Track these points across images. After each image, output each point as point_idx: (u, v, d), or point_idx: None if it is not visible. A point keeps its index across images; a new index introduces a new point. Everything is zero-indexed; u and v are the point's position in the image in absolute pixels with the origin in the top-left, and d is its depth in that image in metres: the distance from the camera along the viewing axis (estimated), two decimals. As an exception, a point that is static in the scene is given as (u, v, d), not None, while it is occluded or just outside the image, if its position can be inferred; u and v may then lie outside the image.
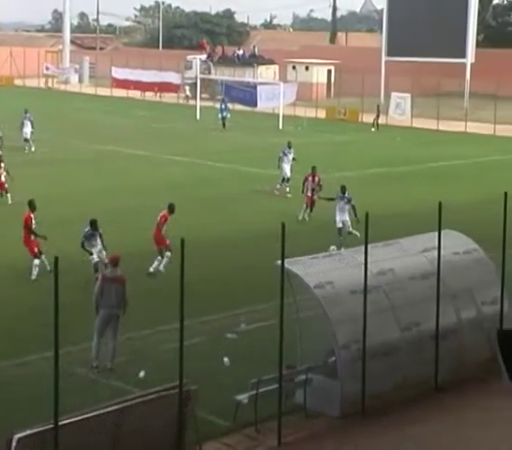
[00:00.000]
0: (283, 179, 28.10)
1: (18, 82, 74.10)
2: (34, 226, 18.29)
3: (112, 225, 23.09)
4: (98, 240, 17.80)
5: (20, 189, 27.16)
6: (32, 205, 18.56)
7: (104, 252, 17.67)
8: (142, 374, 12.94)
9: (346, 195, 21.64)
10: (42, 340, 12.59)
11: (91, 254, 17.66)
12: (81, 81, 75.43)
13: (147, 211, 25.13)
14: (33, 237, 18.16)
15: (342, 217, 21.41)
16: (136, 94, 64.87)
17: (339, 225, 21.40)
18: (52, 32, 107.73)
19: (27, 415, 10.85)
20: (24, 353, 13.71)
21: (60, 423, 9.49)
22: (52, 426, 9.45)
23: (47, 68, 74.86)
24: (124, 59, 69.31)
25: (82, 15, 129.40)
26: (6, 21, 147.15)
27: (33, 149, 35.72)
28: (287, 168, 28.31)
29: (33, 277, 17.81)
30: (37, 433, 9.46)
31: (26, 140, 35.73)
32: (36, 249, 18.05)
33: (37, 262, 17.89)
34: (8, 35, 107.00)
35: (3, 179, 25.88)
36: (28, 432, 9.42)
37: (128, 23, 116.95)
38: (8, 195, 25.60)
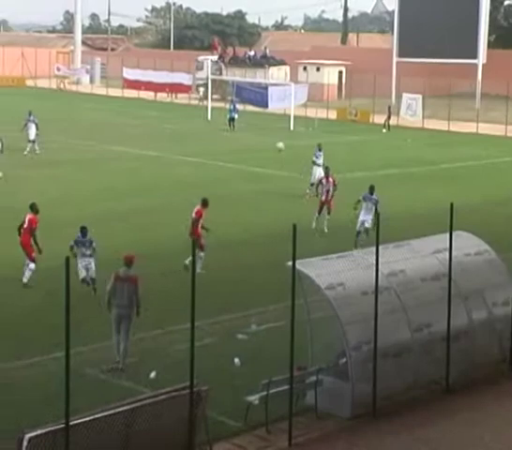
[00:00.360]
0: (312, 183, 27.43)
1: (29, 82, 74.35)
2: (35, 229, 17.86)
3: (123, 225, 23.21)
4: (89, 250, 16.95)
5: (30, 190, 27.28)
6: (34, 209, 18.12)
7: (93, 264, 16.94)
8: (153, 374, 12.95)
9: (374, 196, 21.32)
10: (51, 341, 12.63)
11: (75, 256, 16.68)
12: (92, 81, 75.66)
13: (158, 211, 25.28)
14: (32, 242, 17.76)
15: (365, 218, 20.91)
16: (147, 94, 64.99)
17: (361, 227, 21.00)
18: (64, 33, 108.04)
19: (38, 415, 10.87)
20: (34, 354, 13.73)
21: (71, 423, 9.51)
22: (63, 425, 9.47)
23: (58, 69, 75.13)
24: (135, 60, 69.47)
25: (94, 16, 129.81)
26: (17, 21, 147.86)
27: (37, 151, 35.52)
28: (317, 172, 27.89)
29: (25, 279, 17.58)
30: (47, 433, 9.48)
31: (31, 141, 35.61)
32: (34, 254, 17.74)
33: (33, 266, 17.65)
34: (20, 35, 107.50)
35: None
36: (39, 432, 9.43)
37: (139, 24, 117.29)
38: None
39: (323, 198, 23.46)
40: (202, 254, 18.52)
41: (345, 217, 22.35)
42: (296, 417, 11.71)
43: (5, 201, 24.28)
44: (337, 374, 12.41)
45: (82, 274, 16.87)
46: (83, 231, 17.12)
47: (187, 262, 18.25)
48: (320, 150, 28.78)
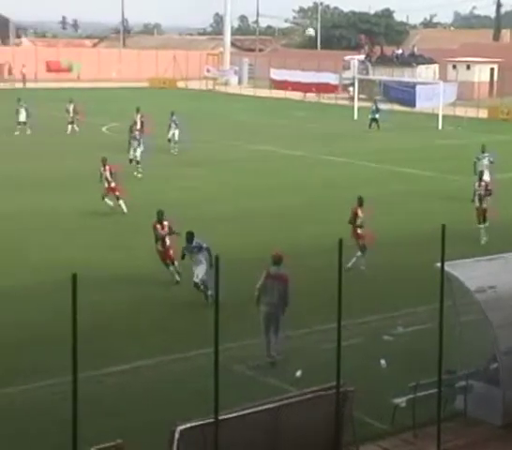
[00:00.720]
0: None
1: (180, 84, 76.24)
2: (162, 234, 17.84)
3: (268, 223, 23.43)
4: (201, 257, 16.30)
5: (177, 189, 28.01)
6: (159, 216, 17.94)
7: (202, 269, 16.20)
8: (298, 373, 12.98)
9: None
10: (201, 336, 12.89)
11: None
12: (240, 82, 76.83)
13: (303, 210, 25.36)
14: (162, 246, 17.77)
15: None
16: (294, 94, 65.37)
17: None
18: (214, 35, 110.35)
19: (188, 409, 11.12)
20: (184, 349, 14.03)
21: (220, 417, 9.67)
22: (212, 420, 9.64)
23: (208, 71, 76.78)
24: (282, 60, 70.01)
25: (243, 17, 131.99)
26: (170, 25, 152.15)
27: (176, 150, 35.69)
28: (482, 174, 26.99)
29: (177, 277, 17.80)
30: (198, 426, 9.68)
31: (172, 141, 35.88)
32: (168, 258, 17.81)
33: (171, 268, 17.90)
34: (172, 38, 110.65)
35: (113, 184, 24.03)
36: (190, 425, 9.65)
37: (286, 25, 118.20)
38: (121, 202, 24.14)
39: (477, 204, 22.13)
40: (358, 253, 18.68)
41: (500, 218, 21.73)
42: (444, 422, 11.44)
43: (148, 199, 24.94)
44: (487, 379, 12.08)
45: (196, 278, 16.48)
46: (188, 237, 16.44)
47: (349, 265, 18.14)
48: (483, 152, 27.62)
